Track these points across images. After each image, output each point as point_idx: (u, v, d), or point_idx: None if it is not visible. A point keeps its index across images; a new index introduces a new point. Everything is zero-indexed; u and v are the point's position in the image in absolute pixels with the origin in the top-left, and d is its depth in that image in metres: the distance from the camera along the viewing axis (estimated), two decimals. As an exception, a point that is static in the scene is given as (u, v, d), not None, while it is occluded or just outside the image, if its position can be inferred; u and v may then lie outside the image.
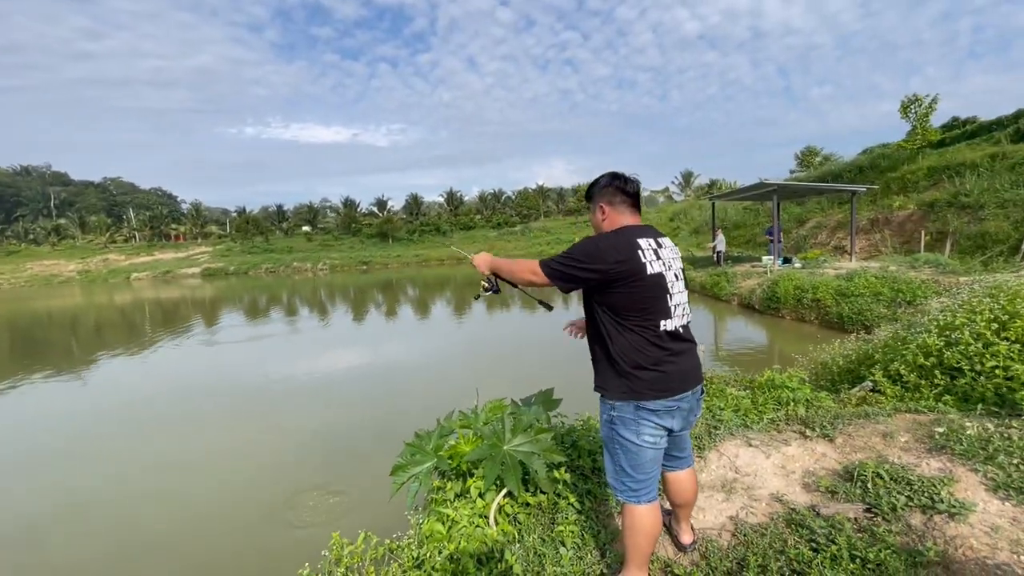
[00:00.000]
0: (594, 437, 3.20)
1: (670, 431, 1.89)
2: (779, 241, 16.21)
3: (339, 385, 8.44)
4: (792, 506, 2.42)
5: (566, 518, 2.51)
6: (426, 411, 6.42)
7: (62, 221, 57.48)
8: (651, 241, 1.81)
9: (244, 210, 55.37)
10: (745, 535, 2.25)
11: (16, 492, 5.11)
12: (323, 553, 2.59)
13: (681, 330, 1.86)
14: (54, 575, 3.81)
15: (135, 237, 55.68)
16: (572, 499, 2.62)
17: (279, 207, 56.71)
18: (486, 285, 2.21)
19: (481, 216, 55.24)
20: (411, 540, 2.60)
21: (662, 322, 1.79)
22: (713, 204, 21.87)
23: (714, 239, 17.95)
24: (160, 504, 4.70)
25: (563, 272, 1.77)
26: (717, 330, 11.38)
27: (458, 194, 57.72)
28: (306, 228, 55.74)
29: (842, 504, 2.34)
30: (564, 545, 2.33)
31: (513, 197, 58.19)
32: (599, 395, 1.92)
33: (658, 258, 1.80)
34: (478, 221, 53.56)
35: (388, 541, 2.65)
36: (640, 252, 1.76)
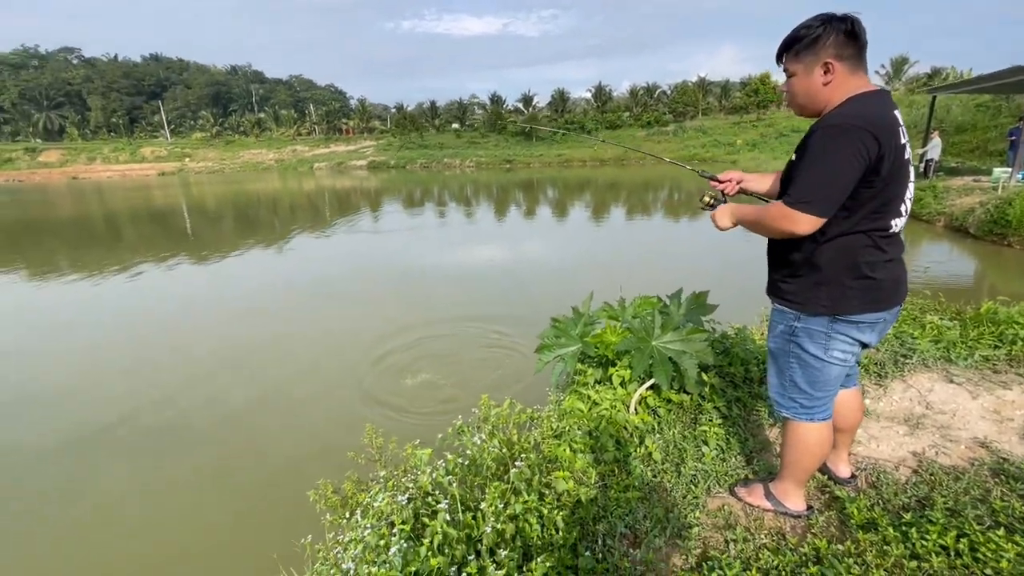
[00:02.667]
0: (749, 347, 2.97)
1: (865, 346, 1.62)
2: (1027, 148, 12.40)
3: (483, 276, 8.99)
4: (1003, 455, 2.02)
5: (711, 420, 2.42)
6: (562, 307, 6.58)
7: (262, 115, 66.78)
8: (898, 113, 1.42)
9: (402, 106, 58.56)
10: (932, 474, 1.96)
11: (209, 334, 6.56)
12: (472, 411, 2.90)
13: (902, 231, 1.51)
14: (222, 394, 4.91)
15: (315, 130, 62.86)
16: (719, 403, 2.51)
17: (432, 103, 58.79)
18: (710, 201, 1.90)
19: (630, 114, 51.09)
20: (551, 413, 2.76)
21: (894, 221, 1.45)
22: (934, 99, 17.22)
23: (925, 143, 14.39)
24: (311, 360, 5.65)
25: (828, 198, 1.38)
26: (910, 254, 9.51)
27: (607, 88, 53.62)
28: (455, 125, 57.38)
29: (1083, 465, 1.88)
30: (707, 444, 2.28)
31: (668, 92, 52.36)
32: (775, 302, 1.68)
33: (905, 136, 1.42)
34: (626, 119, 49.73)
35: (531, 410, 2.84)
36: (900, 131, 1.39)
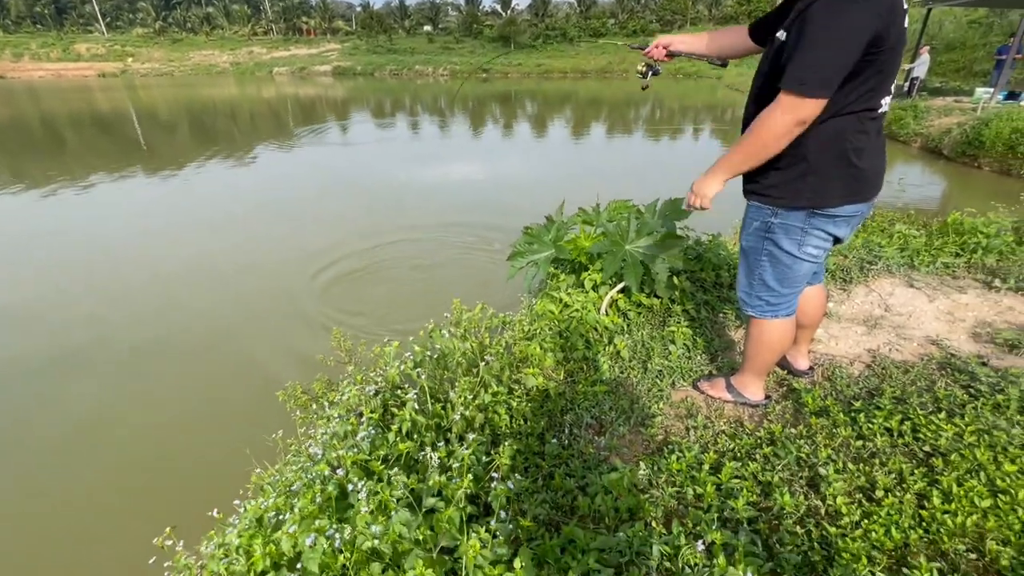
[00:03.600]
0: (721, 253, 2.97)
1: (837, 241, 1.60)
2: (1011, 66, 12.24)
3: (457, 189, 8.70)
4: (952, 351, 2.12)
5: (679, 322, 2.46)
6: (539, 219, 6.50)
7: (210, 10, 59.98)
8: None
9: (368, 4, 53.42)
10: (884, 368, 2.05)
11: (170, 249, 6.29)
12: (444, 315, 2.88)
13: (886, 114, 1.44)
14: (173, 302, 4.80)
15: (272, 30, 57.15)
16: (688, 306, 2.53)
17: (401, 2, 53.72)
18: (643, 69, 1.93)
19: (616, 21, 47.87)
20: (524, 317, 2.76)
21: (884, 99, 1.36)
22: (928, 11, 16.53)
23: (914, 59, 14.02)
24: (278, 273, 5.51)
25: (835, 76, 1.26)
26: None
27: (592, -8, 49.69)
28: (427, 28, 52.98)
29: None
30: (674, 343, 2.32)
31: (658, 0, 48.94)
32: (752, 199, 1.61)
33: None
34: (611, 27, 46.66)
35: (503, 315, 2.84)
36: (901, 3, 1.27)
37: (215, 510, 1.45)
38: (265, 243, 6.26)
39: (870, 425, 1.67)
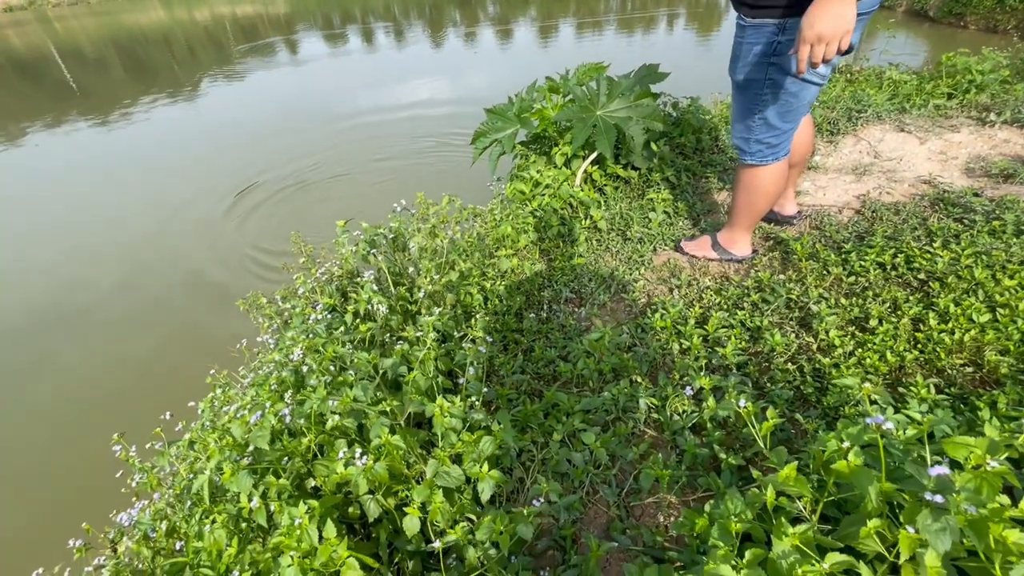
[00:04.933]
0: (702, 116, 2.74)
1: (846, 52, 1.38)
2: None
3: (421, 107, 8.09)
4: (945, 188, 2.00)
5: (658, 190, 2.29)
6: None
7: (117, -79, 52.41)
8: None
9: (297, -101, 46.90)
10: (874, 211, 1.93)
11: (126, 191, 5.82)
12: (402, 202, 2.67)
13: None
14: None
15: (193, -59, 50.49)
16: (668, 173, 2.35)
17: None
18: None
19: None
20: (494, 205, 2.57)
21: None
22: None
23: (904, -87, 12.83)
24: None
25: None
26: (862, 45, 9.07)
27: None
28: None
29: (1019, 187, 1.88)
30: (654, 211, 2.17)
31: None
32: (752, 17, 1.33)
33: None
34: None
35: (472, 206, 2.63)
36: None
37: (167, 413, 1.33)
38: (227, 179, 5.80)
39: (862, 263, 1.58)
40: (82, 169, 6.91)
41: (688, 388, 1.18)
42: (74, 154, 7.72)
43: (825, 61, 1.16)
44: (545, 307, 1.80)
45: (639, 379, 1.39)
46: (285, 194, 5.25)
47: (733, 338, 1.42)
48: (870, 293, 1.46)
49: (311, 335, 1.29)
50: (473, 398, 1.10)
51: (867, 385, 0.78)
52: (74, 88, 13.10)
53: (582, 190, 2.34)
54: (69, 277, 4.20)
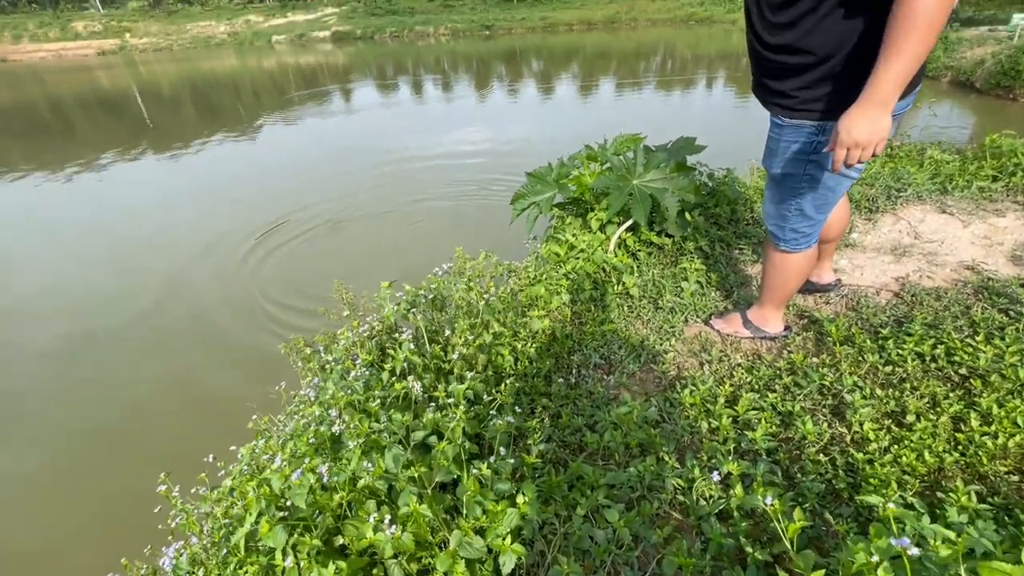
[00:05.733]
0: (737, 188, 2.80)
1: None
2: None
3: (465, 157, 8.46)
4: (989, 275, 1.96)
5: (691, 259, 2.33)
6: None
7: (204, -20, 58.36)
8: None
9: (363, -36, 51.32)
10: (914, 296, 1.91)
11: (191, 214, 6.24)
12: (446, 265, 2.78)
13: None
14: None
15: (268, -3, 55.59)
16: (702, 242, 2.39)
17: (398, -41, 51.54)
18: None
19: (623, -32, 45.40)
20: (529, 263, 2.65)
21: None
22: (964, -67, 15.28)
23: (947, -12, 13.00)
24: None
25: None
26: (904, 120, 9.03)
27: (598, -64, 46.93)
28: (427, -14, 50.94)
29: (1069, 278, 1.83)
30: (687, 280, 2.20)
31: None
32: (791, 118, 1.34)
33: None
34: (619, -25, 44.31)
35: (507, 262, 2.72)
36: None
37: (211, 456, 1.41)
38: (281, 218, 6.16)
39: (900, 351, 1.55)
40: (141, 196, 7.51)
41: (716, 472, 1.17)
42: (136, 182, 8.42)
43: (860, 162, 1.20)
44: (574, 371, 1.83)
45: (666, 457, 1.39)
46: (320, 231, 5.54)
47: (763, 422, 1.40)
48: (908, 385, 1.43)
49: (349, 391, 1.36)
50: (501, 472, 1.13)
51: (891, 506, 0.77)
52: (148, 124, 14.32)
53: (616, 255, 2.40)
54: (104, 295, 4.51)
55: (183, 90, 21.08)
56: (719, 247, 2.42)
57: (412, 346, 1.51)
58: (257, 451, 1.30)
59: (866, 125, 1.12)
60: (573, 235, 2.47)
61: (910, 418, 1.32)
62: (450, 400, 1.26)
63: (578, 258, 2.34)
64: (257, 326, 3.90)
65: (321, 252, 5.05)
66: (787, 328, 1.81)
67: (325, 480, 1.03)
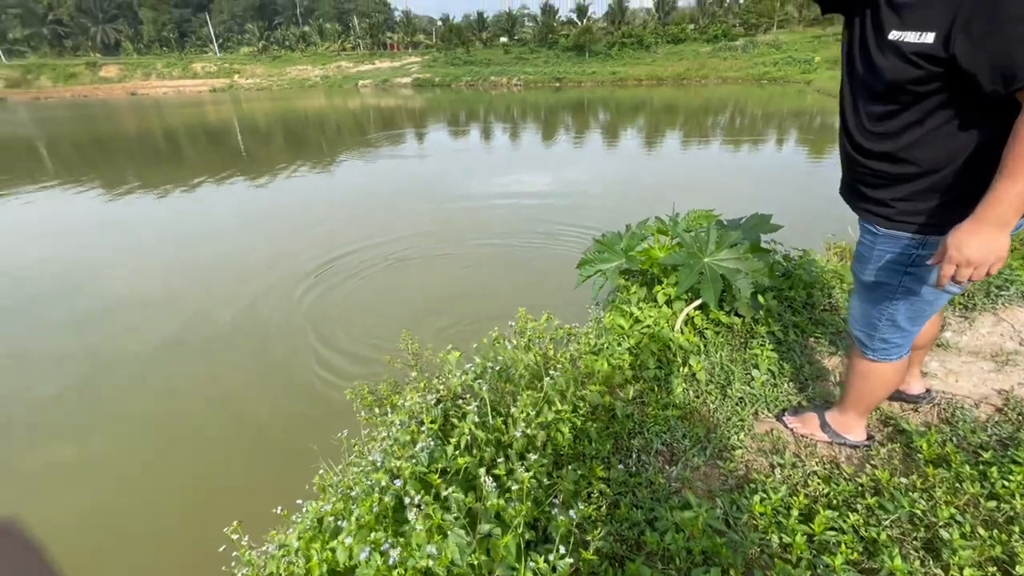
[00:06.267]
0: (814, 271, 2.69)
1: None
2: None
3: (526, 201, 8.70)
4: (1113, 399, 1.76)
5: (763, 344, 2.24)
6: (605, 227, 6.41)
7: (306, 28, 64.91)
8: None
9: (448, 18, 55.37)
10: (1021, 414, 1.73)
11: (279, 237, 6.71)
12: (509, 323, 2.83)
13: None
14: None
15: (359, 45, 60.82)
16: (775, 327, 2.30)
17: (479, 15, 55.24)
18: None
19: (695, 26, 46.26)
20: (590, 329, 2.65)
21: None
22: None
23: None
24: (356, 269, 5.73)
25: None
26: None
27: (672, -3, 48.40)
28: (504, 39, 54.03)
29: None
30: (757, 368, 2.11)
31: (740, 1, 46.79)
32: (888, 228, 1.27)
33: None
34: (690, 32, 45.12)
35: (568, 326, 2.74)
36: None
37: (279, 508, 1.47)
38: (346, 248, 6.55)
39: (1005, 483, 1.40)
40: (223, 217, 8.33)
41: (789, 602, 1.09)
42: (222, 204, 9.33)
43: (971, 281, 1.13)
44: (634, 456, 1.78)
45: (732, 572, 1.31)
46: (381, 268, 5.81)
47: (843, 546, 1.30)
48: (1017, 528, 1.28)
49: (414, 460, 1.40)
50: (559, 570, 1.11)
51: None
52: (243, 153, 15.84)
53: (682, 333, 2.35)
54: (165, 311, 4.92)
55: (276, 124, 23.24)
56: (793, 333, 2.32)
57: (476, 418, 1.54)
58: (322, 511, 1.34)
59: (981, 244, 1.03)
60: (639, 307, 2.45)
61: (1020, 570, 1.18)
62: (514, 486, 1.26)
63: (643, 333, 2.31)
64: (307, 360, 4.06)
65: (379, 290, 5.27)
66: (870, 438, 1.68)
67: (392, 560, 1.05)
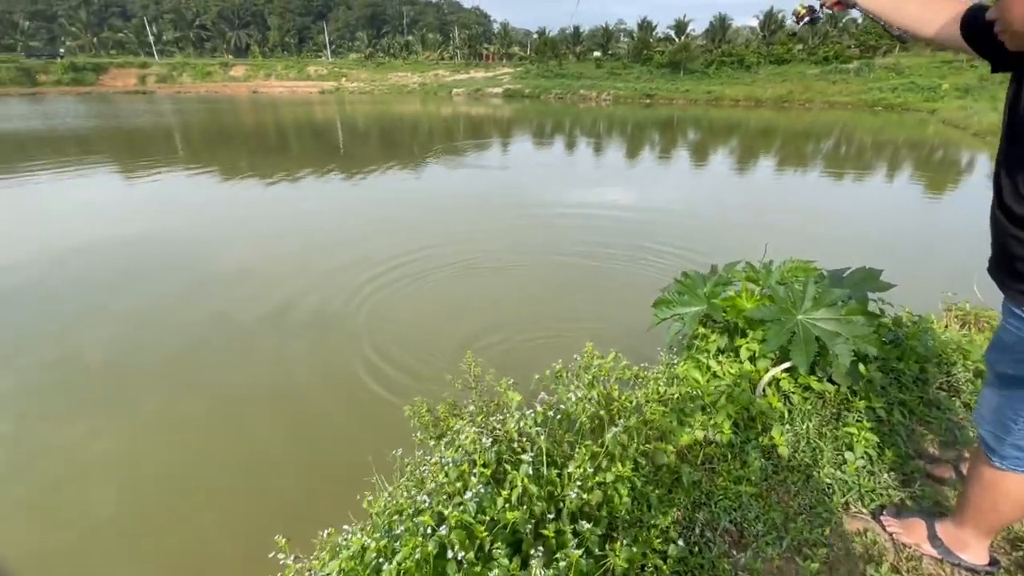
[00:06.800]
0: (929, 342, 2.35)
1: None
2: None
3: (604, 217, 8.52)
4: None
5: (860, 421, 1.98)
6: (678, 258, 6.10)
7: (410, 38, 68.79)
8: None
9: (544, 31, 56.23)
10: None
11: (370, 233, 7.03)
12: (575, 357, 2.73)
13: None
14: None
15: (456, 55, 63.38)
16: (876, 403, 2.03)
17: (575, 28, 55.59)
18: (802, 12, 1.57)
19: (804, 47, 43.45)
20: (660, 375, 2.49)
21: None
22: None
23: None
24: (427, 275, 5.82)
25: None
26: None
27: (779, 15, 45.82)
28: (597, 53, 53.91)
29: None
30: (851, 450, 1.86)
31: (859, 21, 43.33)
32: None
33: None
34: (797, 53, 42.44)
35: (637, 368, 2.59)
36: None
37: (326, 531, 1.49)
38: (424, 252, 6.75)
39: None
40: (315, 208, 9.04)
41: None
42: (317, 196, 10.12)
43: None
44: (697, 531, 1.62)
45: None
46: (448, 273, 5.92)
47: None
48: None
49: (462, 508, 1.35)
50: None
51: None
52: (341, 150, 17.03)
53: (764, 395, 2.14)
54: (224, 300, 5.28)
55: (373, 126, 24.74)
56: (899, 413, 2.03)
57: (530, 470, 1.46)
58: (365, 546, 1.33)
59: None
60: (718, 360, 2.26)
61: None
62: (562, 562, 1.17)
63: (719, 391, 2.13)
64: (358, 365, 4.16)
65: (444, 296, 5.35)
66: (993, 562, 1.41)
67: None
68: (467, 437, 1.66)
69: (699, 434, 1.99)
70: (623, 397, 2.38)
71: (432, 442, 2.20)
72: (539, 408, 1.74)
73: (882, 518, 1.60)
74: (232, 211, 8.90)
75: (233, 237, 7.47)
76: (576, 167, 14.23)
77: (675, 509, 1.70)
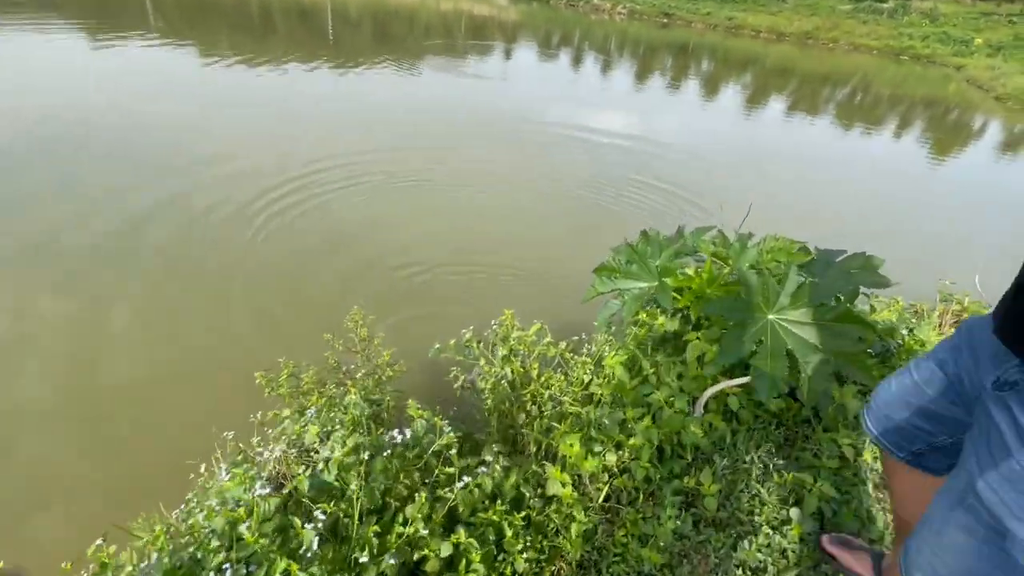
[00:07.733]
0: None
1: None
2: None
3: (593, 146, 7.67)
4: None
5: (817, 457, 1.52)
6: (676, 204, 5.40)
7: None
8: None
9: (563, -77, 50.13)
10: None
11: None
12: (492, 323, 2.20)
13: None
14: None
15: (463, -59, 56.66)
16: (844, 440, 1.56)
17: (598, -75, 49.64)
18: None
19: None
20: (586, 362, 1.97)
21: None
22: None
23: None
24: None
25: None
26: None
27: (825, -63, 41.21)
28: (618, -42, 48.69)
29: None
30: (800, 504, 1.42)
31: (909, -45, 39.31)
32: None
33: None
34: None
35: (563, 344, 2.06)
36: None
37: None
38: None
39: None
40: (297, 100, 8.06)
41: None
42: (303, 86, 9.09)
43: None
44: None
45: None
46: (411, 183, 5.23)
47: None
48: None
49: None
50: None
51: None
52: (330, 40, 15.48)
53: (705, 411, 1.65)
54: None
55: (366, 16, 22.37)
56: (870, 455, 1.58)
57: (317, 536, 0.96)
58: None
59: None
60: (653, 363, 1.74)
61: None
62: None
63: (648, 403, 1.63)
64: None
65: (394, 209, 4.68)
66: None
67: None
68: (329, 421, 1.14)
69: (610, 459, 1.51)
70: (541, 379, 1.91)
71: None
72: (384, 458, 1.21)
73: (823, 541, 1.19)
74: (206, 93, 7.87)
75: (198, 122, 6.50)
76: (579, 86, 13.01)
77: (554, 566, 1.25)
